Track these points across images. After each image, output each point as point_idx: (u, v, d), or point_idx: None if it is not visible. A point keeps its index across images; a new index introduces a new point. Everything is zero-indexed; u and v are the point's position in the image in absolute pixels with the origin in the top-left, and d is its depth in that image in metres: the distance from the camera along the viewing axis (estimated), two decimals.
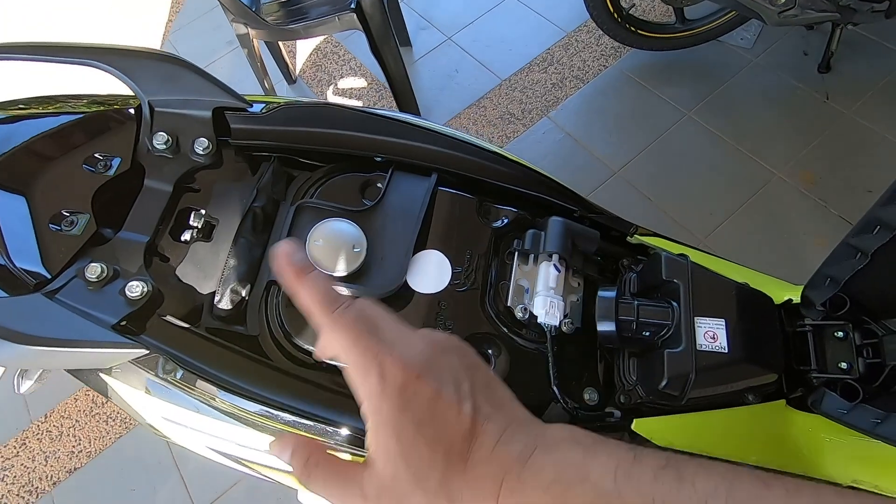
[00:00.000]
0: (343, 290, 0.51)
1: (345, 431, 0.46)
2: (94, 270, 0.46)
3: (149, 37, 2.23)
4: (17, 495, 1.39)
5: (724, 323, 0.51)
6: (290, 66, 1.95)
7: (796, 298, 0.58)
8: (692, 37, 1.68)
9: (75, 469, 1.41)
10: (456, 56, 1.96)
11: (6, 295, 0.44)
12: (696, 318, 0.51)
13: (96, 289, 0.46)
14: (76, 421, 1.47)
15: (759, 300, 0.54)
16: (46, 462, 1.43)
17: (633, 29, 1.65)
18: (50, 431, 1.47)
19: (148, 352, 0.44)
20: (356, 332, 0.28)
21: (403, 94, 1.63)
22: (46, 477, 1.41)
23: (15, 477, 1.41)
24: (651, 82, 1.77)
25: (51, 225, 0.48)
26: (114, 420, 1.46)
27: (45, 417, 1.49)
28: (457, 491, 0.26)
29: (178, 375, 0.45)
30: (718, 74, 1.74)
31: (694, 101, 1.70)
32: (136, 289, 0.46)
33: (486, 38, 1.98)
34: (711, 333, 0.51)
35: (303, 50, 2.07)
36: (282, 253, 0.30)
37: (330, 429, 0.46)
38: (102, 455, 1.42)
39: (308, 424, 0.46)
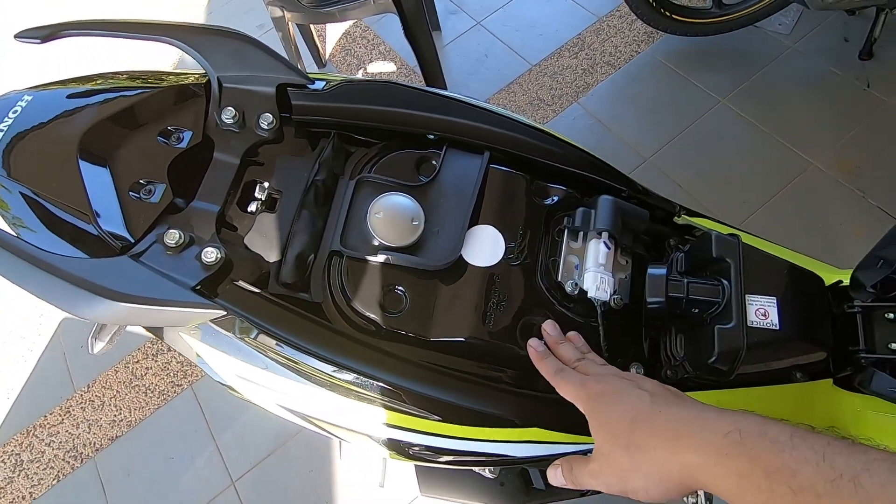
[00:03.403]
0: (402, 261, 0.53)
1: (388, 387, 0.49)
2: (172, 237, 0.48)
3: (183, 19, 2.26)
4: (63, 459, 1.46)
5: (775, 301, 0.52)
6: (320, 49, 1.97)
7: (845, 281, 0.59)
8: (729, 22, 1.65)
9: (116, 437, 1.48)
10: (485, 41, 1.95)
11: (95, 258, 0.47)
12: (747, 296, 0.52)
13: (174, 254, 0.48)
14: (117, 392, 1.54)
15: (810, 280, 0.55)
16: (90, 429, 1.50)
17: (667, 13, 1.63)
18: (92, 401, 1.53)
19: (225, 313, 0.47)
20: (570, 381, 0.47)
21: (434, 79, 1.64)
22: (90, 444, 1.48)
23: (60, 442, 1.49)
24: (684, 68, 1.75)
25: (131, 193, 0.50)
26: (152, 392, 1.52)
27: (88, 388, 1.55)
28: (642, 440, 0.38)
29: (253, 336, 0.48)
30: (754, 61, 1.71)
31: (728, 88, 1.67)
32: (211, 255, 0.48)
33: (516, 23, 1.97)
34: (763, 311, 0.51)
35: (332, 34, 2.09)
36: (533, 349, 0.52)
37: (379, 385, 0.49)
38: (142, 424, 1.48)
39: (362, 381, 0.49)
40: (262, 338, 0.48)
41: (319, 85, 0.59)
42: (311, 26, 1.82)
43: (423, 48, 1.55)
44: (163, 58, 2.07)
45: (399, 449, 0.51)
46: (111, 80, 0.57)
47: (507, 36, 1.94)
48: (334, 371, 0.48)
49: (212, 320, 0.48)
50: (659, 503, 0.38)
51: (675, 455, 0.37)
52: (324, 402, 0.49)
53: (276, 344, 0.48)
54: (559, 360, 0.50)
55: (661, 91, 1.73)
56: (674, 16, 1.63)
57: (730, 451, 0.34)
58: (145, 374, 1.54)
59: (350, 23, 2.08)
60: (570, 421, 0.52)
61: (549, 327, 0.53)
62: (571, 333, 0.54)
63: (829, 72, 1.64)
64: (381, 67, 1.99)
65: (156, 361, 1.56)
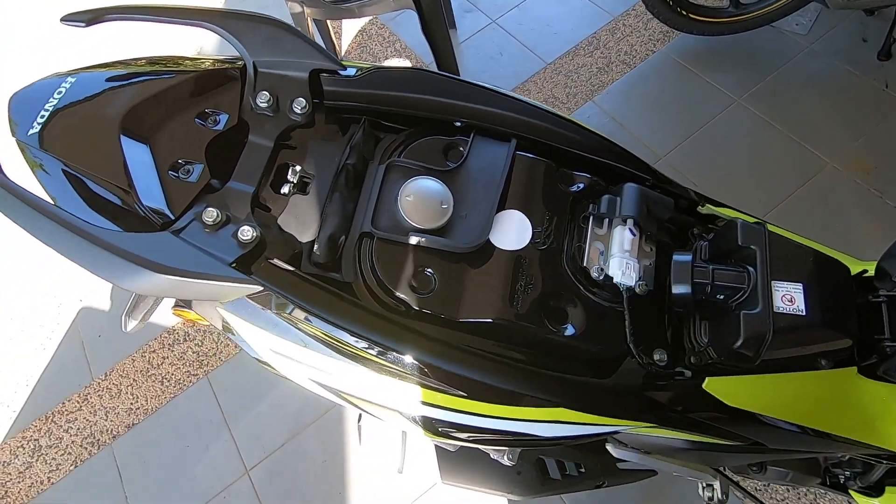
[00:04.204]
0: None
1: (414, 362, 0.50)
2: (210, 215, 0.50)
3: None
4: (81, 445, 1.49)
5: (801, 287, 0.52)
6: (336, 46, 1.99)
7: (869, 271, 0.59)
8: (746, 21, 1.65)
9: (133, 424, 1.50)
10: (500, 39, 1.96)
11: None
12: (773, 282, 0.53)
13: (212, 231, 0.50)
14: (133, 380, 1.56)
15: (836, 267, 0.55)
16: (107, 417, 1.52)
17: (684, 12, 1.63)
18: (110, 389, 1.55)
19: (262, 289, 0.48)
20: None
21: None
22: (107, 430, 1.50)
23: (78, 429, 1.51)
24: (700, 68, 1.75)
25: (170, 172, 0.52)
26: (168, 381, 1.54)
27: (105, 376, 1.58)
28: None
29: (289, 311, 0.49)
30: (771, 61, 1.71)
31: (744, 88, 1.67)
32: (247, 233, 0.50)
33: (531, 22, 1.98)
34: (789, 297, 0.52)
35: (348, 31, 2.10)
36: None
37: (409, 362, 0.50)
38: (158, 413, 1.50)
39: (393, 358, 0.50)
40: (297, 314, 0.50)
41: (351, 71, 0.60)
42: (329, 22, 1.84)
43: (440, 45, 1.56)
44: (185, 44, 2.10)
45: (428, 425, 0.52)
46: (150, 64, 0.58)
47: (522, 34, 1.95)
48: (366, 347, 0.49)
49: (248, 296, 0.49)
50: None
51: None
52: (356, 378, 0.50)
53: (309, 319, 0.49)
54: None
55: (676, 90, 1.73)
56: (690, 15, 1.63)
57: None
58: (161, 364, 1.56)
59: (366, 20, 2.10)
60: (595, 402, 0.53)
61: None
62: None
63: (846, 72, 1.64)
64: (396, 64, 2.01)
65: (172, 351, 1.58)
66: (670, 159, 1.61)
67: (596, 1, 1.97)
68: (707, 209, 0.65)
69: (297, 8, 1.54)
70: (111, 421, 1.51)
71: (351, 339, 0.49)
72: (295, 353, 0.50)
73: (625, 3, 1.93)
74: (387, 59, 2.03)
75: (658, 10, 1.62)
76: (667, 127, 1.66)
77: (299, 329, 0.50)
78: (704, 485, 0.93)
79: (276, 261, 0.51)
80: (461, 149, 0.61)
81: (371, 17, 2.09)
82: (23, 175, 0.49)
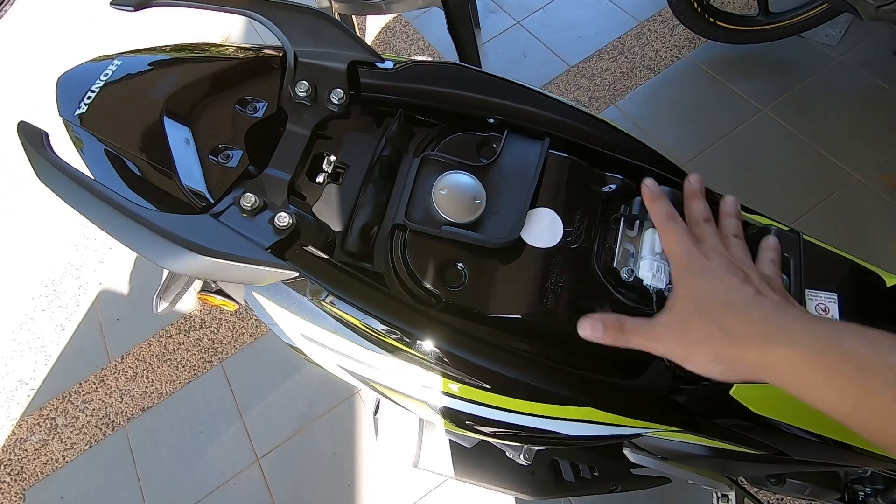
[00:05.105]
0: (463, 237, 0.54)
1: (442, 354, 0.50)
2: (248, 200, 0.50)
3: None
4: (96, 426, 1.51)
5: (836, 296, 0.52)
6: None
7: None
8: (774, 31, 1.63)
9: (148, 408, 1.52)
10: (524, 40, 1.97)
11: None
12: (807, 290, 0.52)
13: (250, 216, 0.50)
14: (149, 364, 1.58)
15: (871, 278, 0.55)
16: (122, 399, 1.54)
17: (712, 20, 1.62)
18: (126, 371, 1.58)
19: (297, 274, 0.48)
20: (679, 236, 0.47)
21: None
22: (122, 412, 1.52)
23: (94, 410, 1.53)
24: (725, 76, 1.73)
25: (210, 156, 0.53)
26: (183, 366, 1.56)
27: (122, 359, 1.60)
28: (732, 325, 0.39)
29: (323, 298, 0.50)
30: (798, 71, 1.69)
31: (770, 98, 1.66)
32: (284, 219, 0.50)
33: (556, 24, 1.98)
34: (823, 306, 0.51)
35: (372, 28, 2.12)
36: (647, 186, 0.54)
37: (433, 350, 0.50)
38: (173, 397, 1.53)
39: (420, 346, 0.50)
40: (330, 301, 0.50)
41: (389, 64, 0.61)
42: (354, 18, 1.86)
43: (465, 44, 1.57)
44: (211, 32, 2.12)
45: (453, 417, 0.52)
46: (192, 50, 0.59)
47: (546, 36, 1.95)
48: (396, 337, 0.50)
49: (284, 281, 0.49)
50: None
51: (760, 347, 0.38)
52: (385, 367, 0.51)
53: (342, 307, 0.49)
54: (687, 212, 0.50)
55: (700, 97, 1.72)
56: (718, 22, 1.62)
57: (821, 348, 0.35)
58: (177, 349, 1.58)
59: (391, 17, 2.11)
60: (621, 403, 0.53)
61: (692, 179, 0.53)
62: (728, 197, 0.53)
63: (875, 85, 1.62)
64: None
65: (188, 337, 1.60)
66: (693, 167, 1.60)
67: (622, 5, 1.96)
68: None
69: (325, 2, 1.55)
70: (126, 403, 1.53)
71: (381, 328, 0.50)
72: (326, 340, 0.51)
73: (651, 8, 1.92)
74: (410, 55, 2.03)
75: (685, 17, 1.61)
76: (690, 134, 1.66)
77: (332, 316, 0.50)
78: (719, 495, 0.93)
79: (310, 248, 0.51)
80: (494, 145, 0.61)
81: (396, 15, 2.10)
82: (69, 154, 0.50)
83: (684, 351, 0.42)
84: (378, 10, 1.51)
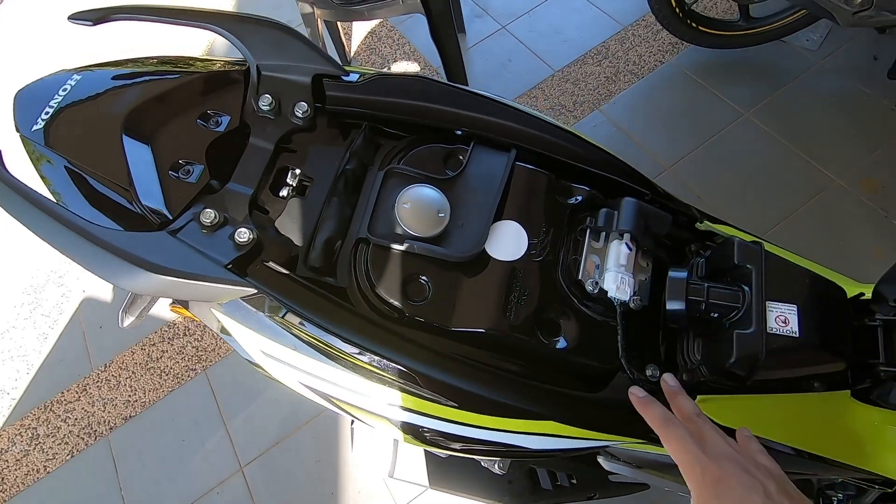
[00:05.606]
0: (425, 251, 0.54)
1: (404, 370, 0.50)
2: (208, 216, 0.50)
3: None
4: (78, 436, 1.50)
5: (796, 308, 0.52)
6: (345, 47, 2.00)
7: (867, 294, 0.59)
8: (756, 35, 1.64)
9: (130, 417, 1.51)
10: (510, 45, 1.97)
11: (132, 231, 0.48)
12: (767, 302, 0.52)
13: (209, 232, 0.50)
14: (133, 372, 1.57)
15: (832, 290, 0.55)
16: (105, 408, 1.53)
17: (694, 25, 1.63)
18: (108, 380, 1.57)
19: (255, 291, 0.48)
20: (683, 442, 0.44)
21: (457, 80, 1.66)
22: (104, 422, 1.51)
23: (76, 419, 1.52)
24: (708, 80, 1.74)
25: (170, 172, 0.52)
26: (167, 374, 1.55)
27: (105, 367, 1.59)
28: None
29: (282, 315, 0.50)
30: (780, 76, 1.70)
31: (752, 102, 1.67)
32: (244, 235, 0.50)
33: (541, 29, 1.98)
34: (783, 318, 0.52)
35: (358, 32, 2.12)
36: (635, 395, 0.51)
37: (399, 369, 0.50)
38: (156, 406, 1.51)
39: (384, 365, 0.50)
40: (290, 317, 0.50)
41: (353, 77, 0.61)
42: (339, 24, 1.85)
43: (449, 50, 1.57)
44: (194, 45, 2.12)
45: (416, 433, 0.52)
46: (155, 64, 0.59)
47: (531, 41, 1.96)
48: (357, 353, 0.49)
49: (242, 298, 0.49)
50: None
51: None
52: (346, 384, 0.51)
53: (302, 324, 0.49)
54: (676, 411, 0.49)
55: (684, 102, 1.72)
56: (700, 27, 1.63)
57: None
58: (161, 357, 1.57)
59: (376, 22, 2.10)
60: (585, 416, 0.53)
61: (668, 379, 0.53)
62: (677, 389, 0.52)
63: (856, 90, 1.63)
64: (405, 67, 2.02)
65: (171, 345, 1.59)
66: (676, 171, 1.60)
67: (606, 10, 1.97)
68: (705, 226, 0.65)
69: (308, 9, 1.55)
70: (109, 412, 1.52)
71: (342, 345, 0.49)
72: (286, 357, 0.50)
73: (635, 13, 1.93)
74: (396, 61, 2.03)
75: (668, 22, 1.62)
76: (673, 138, 1.66)
77: (291, 333, 0.50)
78: None
79: (271, 264, 0.51)
80: (461, 157, 0.61)
81: (381, 20, 2.10)
82: (25, 171, 0.49)
83: None
84: (361, 17, 1.51)
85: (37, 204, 0.44)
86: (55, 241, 0.44)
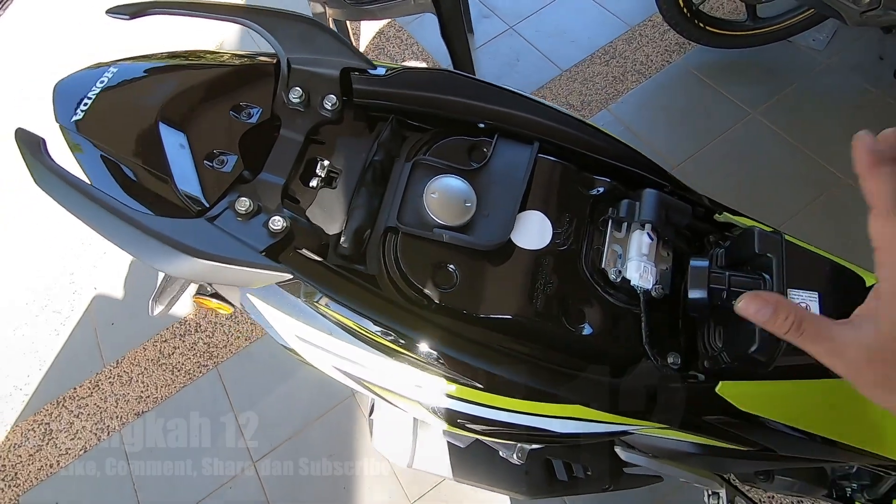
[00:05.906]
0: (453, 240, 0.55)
1: (434, 354, 0.51)
2: (243, 204, 0.51)
3: None
4: (91, 431, 1.51)
5: (817, 296, 0.53)
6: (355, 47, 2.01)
7: None
8: (763, 35, 1.66)
9: (142, 412, 1.52)
10: (517, 45, 1.98)
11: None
12: (788, 290, 0.53)
13: (244, 220, 0.51)
14: (145, 369, 1.58)
15: (852, 278, 0.56)
16: (117, 404, 1.54)
17: (701, 25, 1.64)
18: (121, 376, 1.58)
19: (291, 277, 0.49)
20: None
21: None
22: (117, 417, 1.52)
23: (89, 414, 1.53)
24: (716, 80, 1.76)
25: (205, 161, 0.54)
26: (178, 371, 1.56)
27: (117, 363, 1.60)
28: None
29: (317, 299, 0.51)
30: (787, 75, 1.72)
31: (759, 101, 1.68)
32: (278, 223, 0.51)
33: (548, 29, 2.00)
34: (805, 304, 0.53)
35: (367, 32, 2.13)
36: (862, 140, 0.30)
37: (428, 351, 0.51)
38: (167, 402, 1.53)
39: (413, 347, 0.51)
40: (324, 303, 0.51)
41: (380, 71, 0.62)
42: (348, 23, 1.87)
43: (458, 49, 1.58)
44: (206, 39, 2.13)
45: (447, 416, 0.53)
46: (189, 57, 0.60)
47: (538, 41, 1.97)
48: (389, 338, 0.51)
49: (278, 283, 0.50)
50: None
51: None
52: (378, 368, 0.52)
53: (336, 309, 0.50)
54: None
55: (691, 101, 1.74)
56: (707, 27, 1.65)
57: None
58: (173, 354, 1.58)
59: (385, 22, 2.12)
60: (609, 401, 0.54)
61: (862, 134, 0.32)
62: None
63: (862, 89, 1.64)
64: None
65: (183, 342, 1.60)
66: (683, 169, 1.62)
67: (613, 10, 1.98)
68: (724, 217, 0.66)
69: (319, 8, 1.57)
70: (121, 408, 1.53)
71: (374, 329, 0.51)
72: (320, 341, 0.51)
73: (642, 13, 1.95)
74: (404, 61, 2.05)
75: (675, 22, 1.63)
76: (680, 137, 1.68)
77: (326, 318, 0.51)
78: (710, 493, 0.94)
79: (304, 251, 0.52)
80: (485, 150, 0.63)
81: (390, 20, 2.12)
82: (66, 159, 0.50)
83: (885, 388, 0.30)
84: (371, 16, 1.53)
85: (83, 191, 0.45)
86: (101, 227, 0.45)
